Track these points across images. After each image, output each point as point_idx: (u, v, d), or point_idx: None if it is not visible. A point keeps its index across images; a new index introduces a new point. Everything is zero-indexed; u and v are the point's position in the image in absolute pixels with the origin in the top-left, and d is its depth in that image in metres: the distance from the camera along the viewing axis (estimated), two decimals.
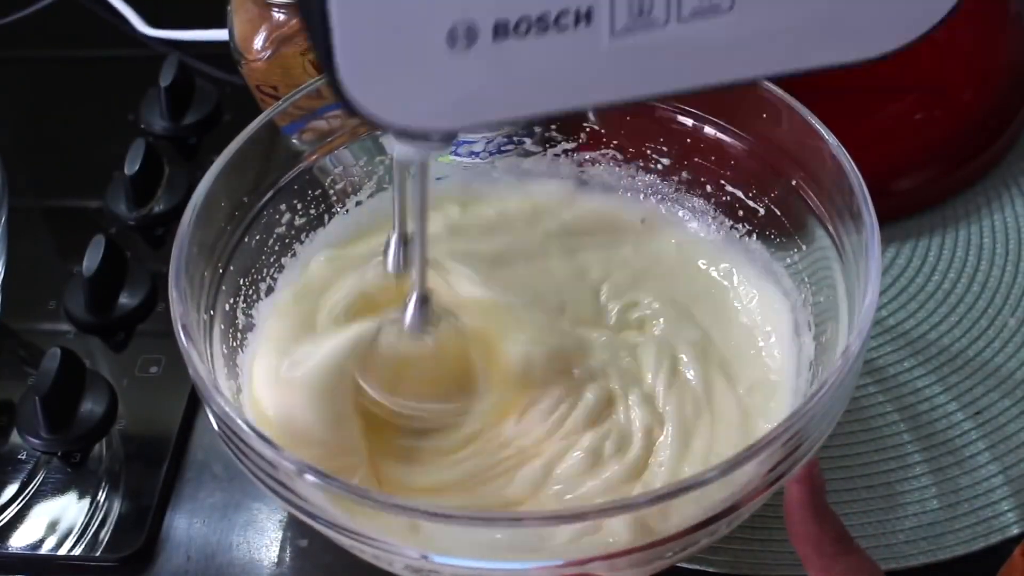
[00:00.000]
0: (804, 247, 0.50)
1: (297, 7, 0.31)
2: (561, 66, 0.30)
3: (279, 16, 0.58)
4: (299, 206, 0.52)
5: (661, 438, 0.46)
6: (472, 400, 0.46)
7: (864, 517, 0.49)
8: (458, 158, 0.56)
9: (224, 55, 0.62)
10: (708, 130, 0.52)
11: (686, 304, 0.51)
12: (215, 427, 0.42)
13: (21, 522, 0.53)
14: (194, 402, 0.57)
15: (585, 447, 0.45)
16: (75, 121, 0.74)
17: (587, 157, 0.56)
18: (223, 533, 0.52)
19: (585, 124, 0.55)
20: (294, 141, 0.53)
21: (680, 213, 0.55)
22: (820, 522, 0.41)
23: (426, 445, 0.46)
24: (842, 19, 0.32)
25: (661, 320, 0.50)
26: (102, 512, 0.53)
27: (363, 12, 0.28)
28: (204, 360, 0.43)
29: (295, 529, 0.52)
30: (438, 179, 0.56)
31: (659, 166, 0.54)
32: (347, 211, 0.54)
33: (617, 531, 0.39)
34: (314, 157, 0.53)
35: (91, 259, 0.59)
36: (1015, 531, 0.49)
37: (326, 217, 0.54)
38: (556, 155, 0.56)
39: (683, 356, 0.48)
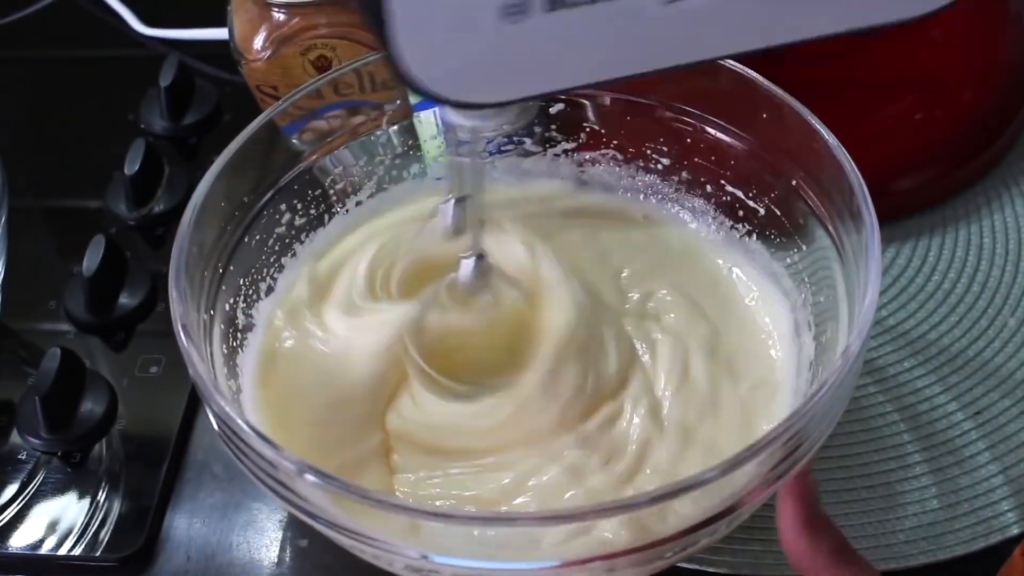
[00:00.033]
0: (804, 247, 0.50)
1: None
2: (613, 34, 0.31)
3: (279, 16, 0.58)
4: (299, 206, 0.52)
5: (658, 444, 0.46)
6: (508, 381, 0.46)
7: (864, 517, 0.49)
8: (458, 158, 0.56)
9: (224, 55, 0.62)
10: (708, 130, 0.52)
11: (696, 298, 0.51)
12: (215, 427, 0.42)
13: (21, 522, 0.53)
14: (194, 402, 0.57)
15: (568, 464, 0.45)
16: (75, 121, 0.74)
17: (587, 157, 0.56)
18: (223, 533, 0.52)
19: (585, 124, 0.55)
20: (294, 141, 0.53)
21: (680, 213, 0.55)
22: (815, 536, 0.40)
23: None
24: None
25: (673, 315, 0.50)
26: (102, 512, 0.53)
27: None
28: (204, 360, 0.43)
29: (295, 529, 0.52)
30: (437, 179, 0.56)
31: (659, 166, 0.54)
32: (347, 211, 0.54)
33: (616, 531, 0.39)
34: (314, 157, 0.53)
35: (91, 259, 0.59)
36: (1015, 531, 0.49)
37: (326, 217, 0.54)
38: (556, 155, 0.56)
39: (694, 353, 0.48)
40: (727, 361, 0.49)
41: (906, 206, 0.61)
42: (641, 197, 0.55)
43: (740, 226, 0.53)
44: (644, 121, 0.53)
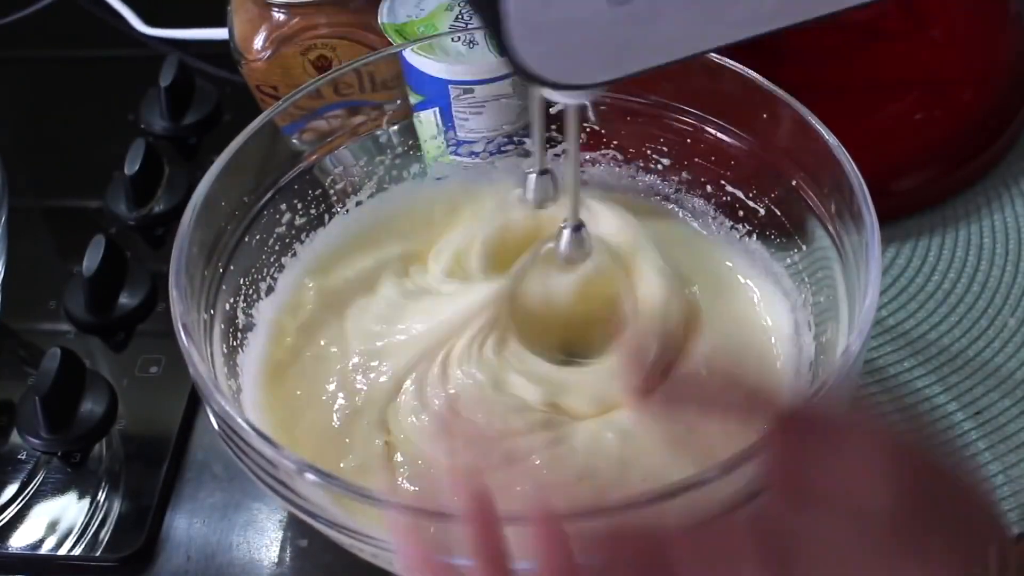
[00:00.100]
0: (804, 247, 0.50)
1: None
2: (707, 7, 0.32)
3: (279, 16, 0.58)
4: (299, 206, 0.52)
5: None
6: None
7: None
8: (458, 158, 0.56)
9: (224, 55, 0.62)
10: (708, 130, 0.52)
11: (704, 294, 0.51)
12: (215, 426, 0.42)
13: (21, 522, 0.53)
14: (194, 402, 0.57)
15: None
16: (75, 121, 0.73)
17: (587, 157, 0.56)
18: (223, 533, 0.52)
19: (585, 124, 0.55)
20: (294, 141, 0.53)
21: (680, 213, 0.55)
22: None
23: None
24: None
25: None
26: (102, 512, 0.53)
27: None
28: (204, 359, 0.43)
29: (295, 529, 0.52)
30: (437, 179, 0.56)
31: (659, 166, 0.54)
32: (347, 211, 0.54)
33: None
34: (314, 157, 0.53)
35: (91, 259, 0.59)
36: (1015, 531, 0.49)
37: (326, 217, 0.54)
38: (556, 155, 0.56)
39: (704, 351, 0.49)
40: (732, 359, 0.49)
41: (906, 206, 0.61)
42: (641, 197, 0.55)
43: (740, 226, 0.53)
44: (644, 121, 0.53)
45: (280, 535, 0.52)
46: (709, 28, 0.33)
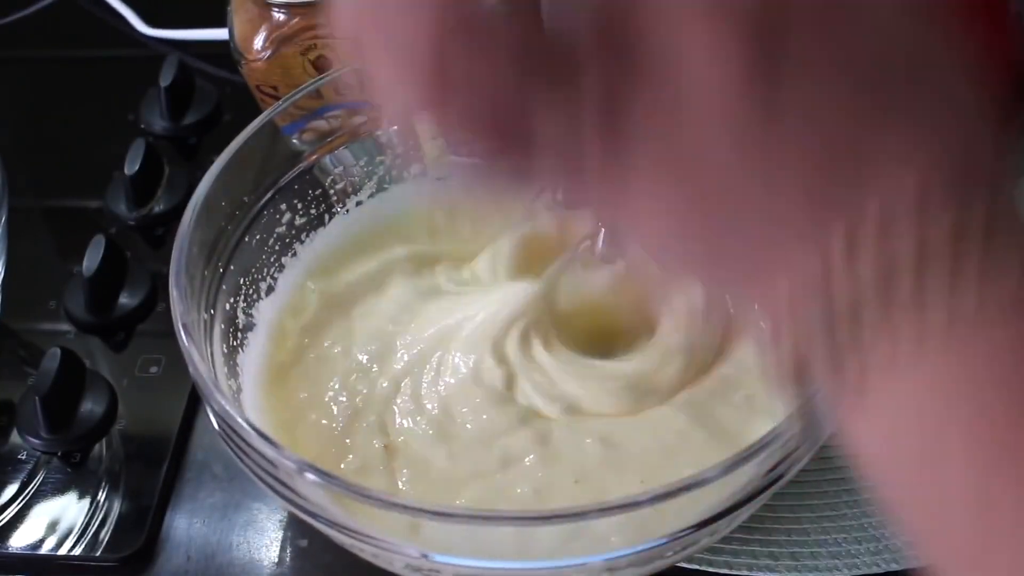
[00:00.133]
0: None
1: None
2: None
3: (279, 16, 0.58)
4: (299, 206, 0.52)
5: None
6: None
7: (864, 517, 0.49)
8: (459, 158, 0.56)
9: (224, 55, 0.62)
10: None
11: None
12: (215, 426, 0.42)
13: (21, 522, 0.53)
14: (194, 402, 0.57)
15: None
16: (75, 121, 0.74)
17: None
18: (223, 533, 0.52)
19: None
20: (294, 141, 0.53)
21: None
22: None
23: None
24: None
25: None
26: (102, 512, 0.53)
27: None
28: (204, 359, 0.43)
29: (295, 529, 0.52)
30: (438, 179, 0.56)
31: None
32: (347, 211, 0.54)
33: (617, 530, 0.39)
34: (314, 157, 0.53)
35: (91, 259, 0.59)
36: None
37: (326, 217, 0.54)
38: None
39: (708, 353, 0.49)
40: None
41: None
42: None
43: None
44: None
45: (280, 535, 0.52)
46: None
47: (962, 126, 0.27)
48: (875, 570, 0.47)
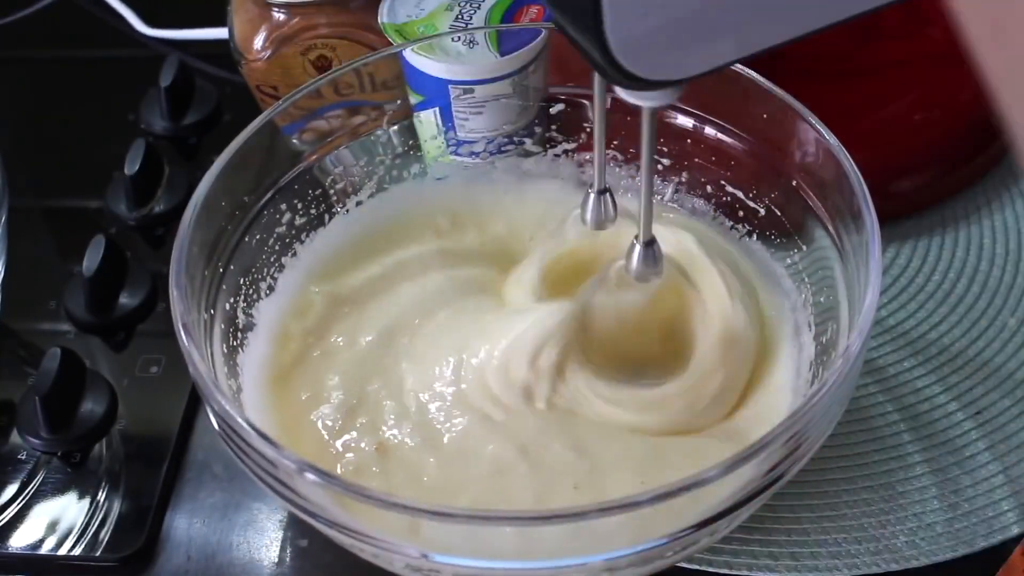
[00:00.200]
0: (804, 247, 0.50)
1: None
2: None
3: (279, 16, 0.58)
4: (299, 206, 0.52)
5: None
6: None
7: (864, 517, 0.49)
8: (458, 158, 0.56)
9: (224, 55, 0.62)
10: (708, 130, 0.52)
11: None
12: (215, 426, 0.42)
13: (21, 522, 0.53)
14: (194, 402, 0.57)
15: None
16: (75, 121, 0.74)
17: (587, 157, 0.56)
18: (223, 533, 0.52)
19: (585, 124, 0.55)
20: (294, 141, 0.53)
21: (680, 213, 0.55)
22: None
23: None
24: None
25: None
26: (102, 512, 0.53)
27: None
28: (204, 359, 0.43)
29: (295, 529, 0.52)
30: (438, 179, 0.56)
31: (659, 166, 0.54)
32: (347, 211, 0.54)
33: (617, 530, 0.39)
34: (314, 157, 0.53)
35: (91, 259, 0.59)
36: (1015, 531, 0.49)
37: (326, 217, 0.54)
38: (556, 155, 0.56)
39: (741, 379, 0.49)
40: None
41: (906, 206, 0.61)
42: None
43: (740, 226, 0.53)
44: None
45: (280, 535, 0.52)
46: (799, 13, 0.33)
47: None
48: (875, 570, 0.48)
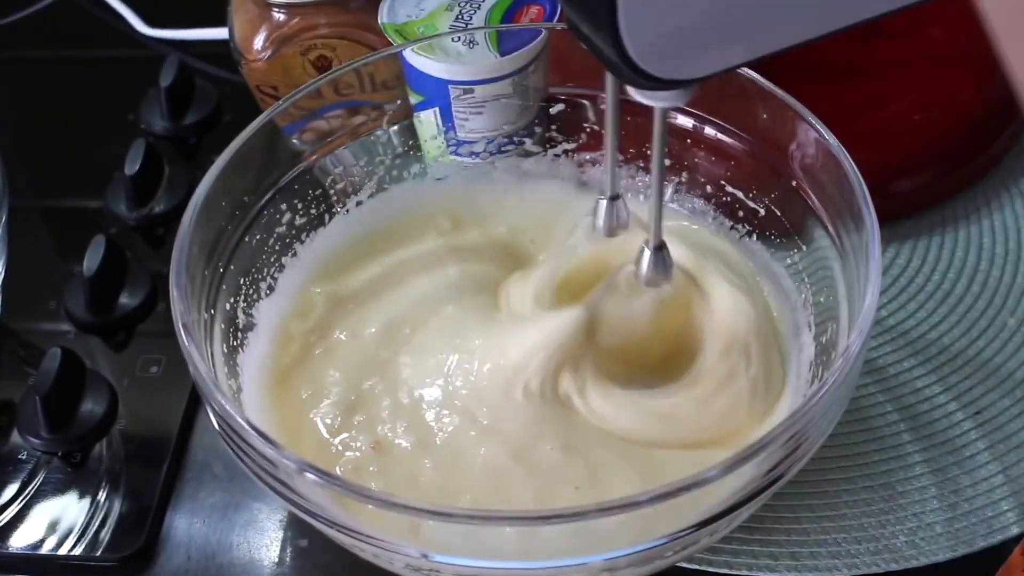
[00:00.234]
0: (804, 247, 0.50)
1: None
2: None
3: (279, 16, 0.58)
4: (299, 206, 0.52)
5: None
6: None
7: (864, 517, 0.49)
8: (458, 158, 0.56)
9: (224, 55, 0.62)
10: (708, 130, 0.52)
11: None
12: (216, 426, 0.42)
13: (21, 522, 0.53)
14: (194, 402, 0.57)
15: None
16: (75, 121, 0.74)
17: (587, 157, 0.56)
18: (223, 533, 0.52)
19: (585, 124, 0.55)
20: (294, 141, 0.53)
21: (680, 213, 0.55)
22: None
23: None
24: None
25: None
26: (102, 512, 0.53)
27: None
28: (205, 359, 0.43)
29: (295, 529, 0.52)
30: (438, 179, 0.56)
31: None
32: (347, 211, 0.54)
33: (616, 530, 0.39)
34: (314, 157, 0.53)
35: (91, 259, 0.59)
36: (1015, 531, 0.49)
37: (326, 217, 0.54)
38: (556, 155, 0.56)
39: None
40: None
41: (906, 206, 0.61)
42: (641, 198, 0.55)
43: (740, 226, 0.53)
44: (644, 121, 0.53)
45: (280, 535, 0.52)
46: (818, 13, 0.33)
47: None
48: (875, 570, 0.48)
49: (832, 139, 0.46)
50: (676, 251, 0.46)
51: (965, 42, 0.63)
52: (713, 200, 0.54)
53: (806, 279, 0.49)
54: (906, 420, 0.53)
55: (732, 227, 0.53)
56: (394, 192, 0.55)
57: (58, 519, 0.53)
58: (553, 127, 0.56)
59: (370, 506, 0.38)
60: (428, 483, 0.45)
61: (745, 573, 0.48)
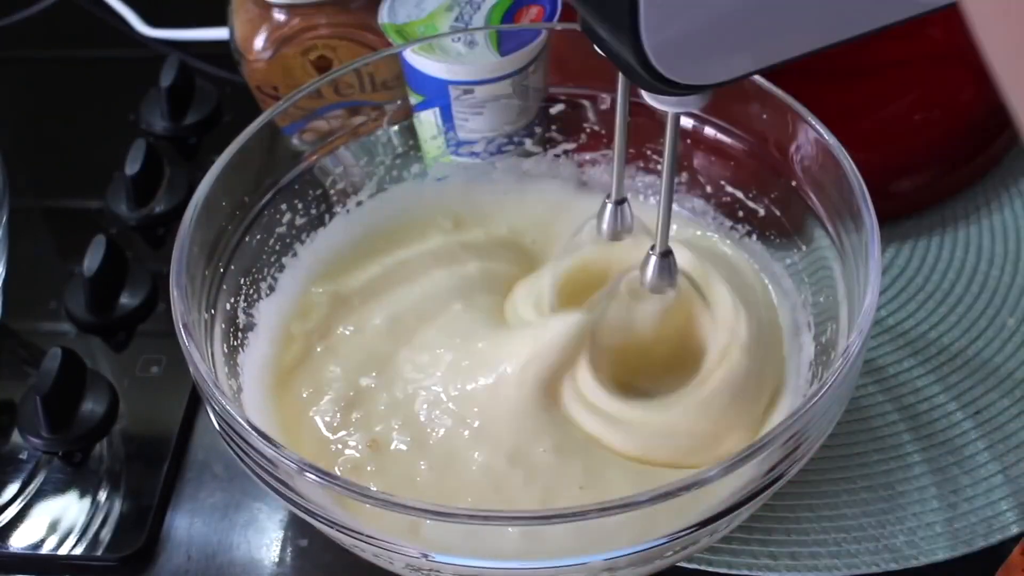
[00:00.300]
0: (804, 247, 0.50)
1: None
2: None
3: (279, 16, 0.58)
4: (300, 206, 0.52)
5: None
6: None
7: (864, 517, 0.49)
8: (458, 158, 0.56)
9: (224, 55, 0.62)
10: (708, 130, 0.52)
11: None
12: (216, 426, 0.42)
13: (22, 522, 0.53)
14: (194, 402, 0.57)
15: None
16: (76, 121, 0.74)
17: (587, 158, 0.56)
18: (223, 533, 0.52)
19: (585, 125, 0.55)
20: (294, 141, 0.53)
21: (680, 213, 0.55)
22: None
23: None
24: None
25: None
26: (103, 512, 0.53)
27: None
28: (205, 359, 0.43)
29: (296, 529, 0.52)
30: (438, 179, 0.56)
31: (659, 166, 0.54)
32: (347, 211, 0.54)
33: (616, 530, 0.39)
34: (314, 157, 0.53)
35: (92, 259, 0.59)
36: (1014, 531, 0.49)
37: (326, 217, 0.54)
38: (556, 156, 0.56)
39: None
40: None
41: (906, 206, 0.61)
42: (641, 198, 0.55)
43: (740, 226, 0.53)
44: (644, 121, 0.53)
45: (281, 535, 0.52)
46: (836, 20, 0.33)
47: None
48: (874, 570, 0.48)
49: (832, 139, 0.46)
50: (680, 256, 0.46)
51: (965, 42, 0.63)
52: (713, 200, 0.54)
53: (806, 279, 0.49)
54: (906, 420, 0.53)
55: (732, 227, 0.53)
56: (394, 192, 0.55)
57: (58, 519, 0.53)
58: (553, 127, 0.56)
59: (369, 506, 0.38)
60: (424, 483, 0.45)
61: (745, 573, 0.48)
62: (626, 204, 0.45)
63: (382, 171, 0.55)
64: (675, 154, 0.40)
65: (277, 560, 0.51)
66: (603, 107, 0.54)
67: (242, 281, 0.50)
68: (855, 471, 0.51)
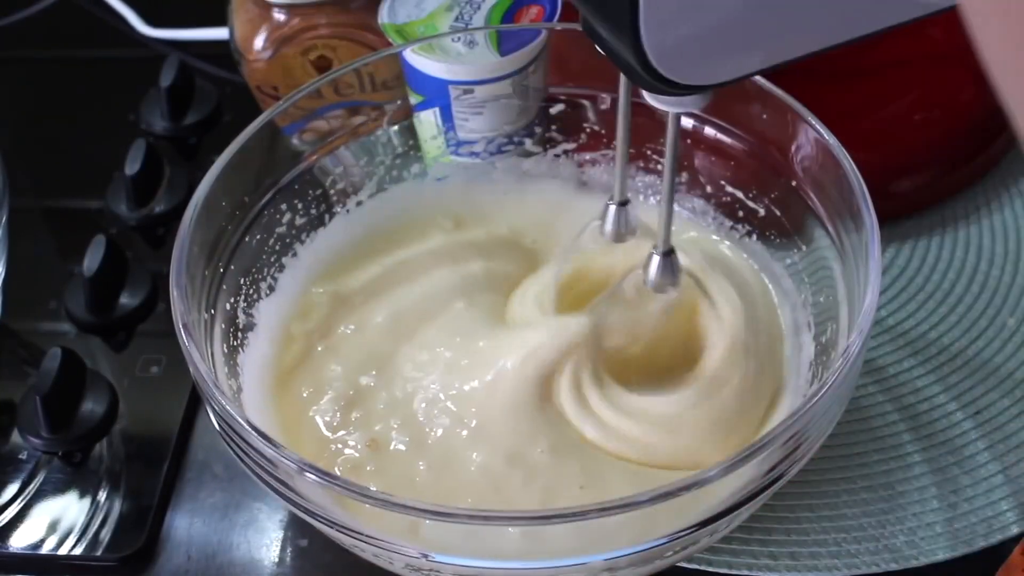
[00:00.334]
0: (804, 247, 0.50)
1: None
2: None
3: (279, 16, 0.58)
4: (300, 206, 0.52)
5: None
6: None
7: (864, 517, 0.49)
8: (458, 158, 0.56)
9: (224, 55, 0.62)
10: (708, 130, 0.52)
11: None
12: (216, 426, 0.42)
13: (22, 522, 0.53)
14: (194, 402, 0.57)
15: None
16: (76, 121, 0.74)
17: (587, 158, 0.56)
18: (223, 533, 0.52)
19: (585, 125, 0.55)
20: (294, 141, 0.53)
21: (680, 213, 0.55)
22: None
23: None
24: None
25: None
26: (103, 512, 0.53)
27: None
28: (205, 359, 0.43)
29: (295, 529, 0.52)
30: (438, 179, 0.56)
31: (659, 166, 0.54)
32: (347, 211, 0.54)
33: (617, 530, 0.39)
34: (314, 157, 0.53)
35: (92, 259, 0.59)
36: (1014, 531, 0.49)
37: (327, 217, 0.54)
38: (556, 156, 0.56)
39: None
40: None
41: (906, 206, 0.61)
42: (641, 198, 0.55)
43: (740, 226, 0.53)
44: (644, 121, 0.53)
45: (281, 535, 0.52)
46: (838, 21, 0.33)
47: None
48: (874, 570, 0.48)
49: (832, 139, 0.46)
50: (682, 256, 0.46)
51: (965, 42, 0.63)
52: (713, 200, 0.54)
53: (806, 279, 0.49)
54: (906, 420, 0.53)
55: (732, 227, 0.53)
56: (394, 192, 0.55)
57: (58, 519, 0.53)
58: (553, 127, 0.56)
59: (369, 506, 0.38)
60: (423, 483, 0.45)
61: (745, 573, 0.48)
62: (629, 205, 0.45)
63: (382, 171, 0.55)
64: (676, 154, 0.40)
65: (277, 560, 0.51)
66: (603, 107, 0.54)
67: (242, 281, 0.50)
68: (855, 471, 0.51)
